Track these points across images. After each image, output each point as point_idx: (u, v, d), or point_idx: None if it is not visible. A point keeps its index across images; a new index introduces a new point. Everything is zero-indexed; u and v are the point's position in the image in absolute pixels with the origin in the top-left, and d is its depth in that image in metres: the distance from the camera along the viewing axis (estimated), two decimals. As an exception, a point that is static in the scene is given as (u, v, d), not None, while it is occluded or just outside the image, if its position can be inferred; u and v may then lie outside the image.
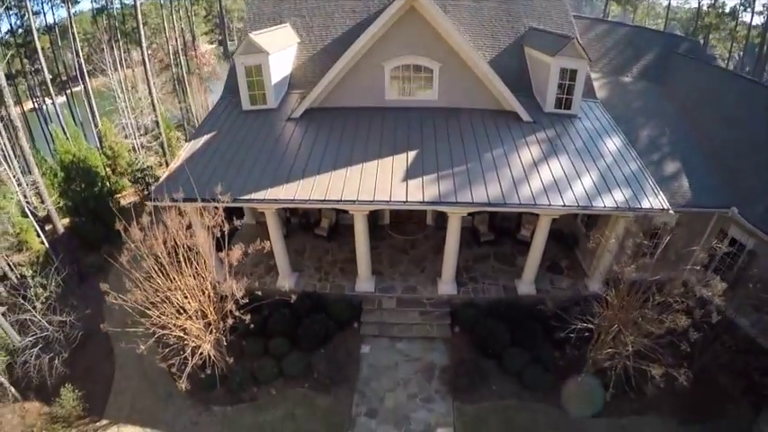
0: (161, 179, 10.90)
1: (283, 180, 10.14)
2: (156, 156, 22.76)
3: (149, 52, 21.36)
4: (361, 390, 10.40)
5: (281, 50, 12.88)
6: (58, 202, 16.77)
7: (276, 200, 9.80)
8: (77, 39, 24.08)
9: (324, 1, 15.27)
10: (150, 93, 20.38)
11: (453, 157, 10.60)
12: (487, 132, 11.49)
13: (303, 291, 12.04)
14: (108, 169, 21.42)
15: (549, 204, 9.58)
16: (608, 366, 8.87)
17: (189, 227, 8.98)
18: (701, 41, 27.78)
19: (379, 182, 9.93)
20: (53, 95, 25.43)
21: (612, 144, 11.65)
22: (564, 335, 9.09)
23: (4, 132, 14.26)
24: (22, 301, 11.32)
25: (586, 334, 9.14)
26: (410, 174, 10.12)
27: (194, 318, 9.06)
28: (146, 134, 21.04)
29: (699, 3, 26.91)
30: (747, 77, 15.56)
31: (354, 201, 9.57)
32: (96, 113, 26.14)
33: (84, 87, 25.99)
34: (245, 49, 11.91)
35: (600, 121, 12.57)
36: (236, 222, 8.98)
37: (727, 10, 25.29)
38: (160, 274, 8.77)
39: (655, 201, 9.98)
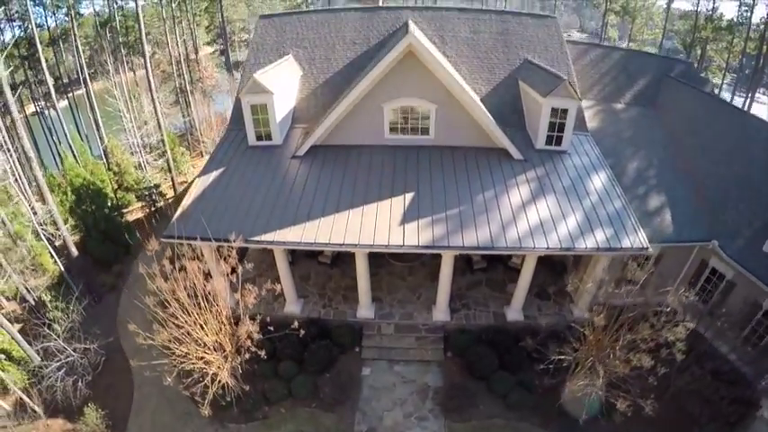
0: (174, 216, 12.21)
1: (290, 222, 11.50)
2: (162, 172, 24.03)
3: (151, 64, 22.40)
4: (362, 409, 11.97)
5: (284, 88, 14.10)
6: (71, 223, 18.14)
7: (284, 242, 11.19)
8: (80, 48, 25.07)
9: (325, 32, 16.42)
10: (156, 112, 21.53)
11: (447, 199, 11.94)
12: (480, 172, 12.80)
13: (308, 317, 13.56)
14: (114, 184, 22.78)
15: (534, 247, 10.96)
16: (583, 394, 10.36)
17: (207, 274, 10.32)
18: (699, 52, 28.82)
19: (378, 225, 11.30)
20: (56, 103, 26.54)
21: (599, 180, 12.95)
22: (544, 366, 10.56)
23: (18, 163, 15.59)
24: (47, 330, 12.75)
25: (564, 364, 10.61)
26: (407, 217, 11.48)
27: (213, 349, 10.53)
28: (151, 152, 22.28)
29: (696, 16, 27.77)
30: (736, 107, 16.63)
31: (356, 245, 10.96)
32: (99, 119, 27.31)
33: (87, 91, 27.05)
34: (251, 89, 13.12)
35: (589, 156, 13.84)
36: (248, 266, 10.32)
37: (724, 24, 26.24)
38: (182, 314, 10.16)
39: (635, 239, 11.33)
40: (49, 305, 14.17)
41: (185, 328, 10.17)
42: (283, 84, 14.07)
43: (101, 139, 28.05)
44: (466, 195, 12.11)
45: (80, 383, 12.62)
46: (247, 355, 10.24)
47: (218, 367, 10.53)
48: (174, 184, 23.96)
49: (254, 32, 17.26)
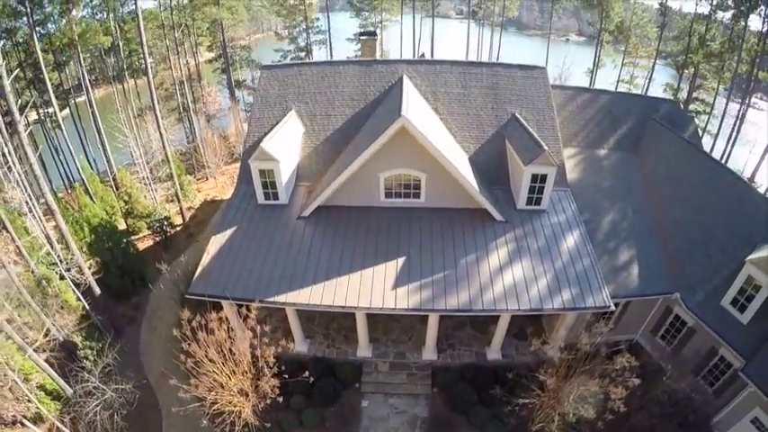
0: (196, 275, 15.07)
1: (299, 284, 14.40)
2: (169, 195, 26.85)
3: (158, 97, 24.86)
4: (361, 437, 15.25)
5: (289, 151, 16.72)
6: (89, 259, 21.08)
7: (295, 303, 14.14)
8: (86, 75, 27.43)
9: (324, 86, 18.85)
10: (164, 147, 24.09)
11: (434, 264, 14.77)
12: (464, 236, 15.56)
13: (315, 355, 16.72)
14: (124, 209, 25.69)
15: (507, 309, 13.86)
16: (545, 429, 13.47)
17: (230, 331, 13.26)
18: (692, 71, 30.65)
19: (374, 288, 14.20)
20: (61, 123, 29.06)
21: (572, 239, 15.67)
22: (511, 407, 13.62)
23: (44, 216, 18.35)
24: (83, 371, 15.64)
25: (530, 405, 13.68)
26: (399, 281, 14.35)
27: (237, 393, 13.63)
28: (159, 179, 25.04)
29: (689, 38, 29.40)
30: (712, 158, 18.85)
31: (356, 307, 13.91)
32: (105, 138, 29.84)
33: (89, 99, 29.29)
34: (259, 157, 15.72)
35: (565, 213, 16.51)
36: (266, 328, 13.25)
37: (715, 49, 28.05)
38: (211, 368, 13.19)
39: (599, 298, 14.16)
40: (80, 344, 17.23)
41: (214, 377, 13.23)
42: (288, 148, 16.68)
43: (106, 158, 30.83)
44: (450, 259, 14.91)
45: (116, 416, 15.75)
46: (268, 401, 13.31)
47: (242, 407, 13.67)
48: (181, 211, 26.81)
49: (258, 84, 19.68)
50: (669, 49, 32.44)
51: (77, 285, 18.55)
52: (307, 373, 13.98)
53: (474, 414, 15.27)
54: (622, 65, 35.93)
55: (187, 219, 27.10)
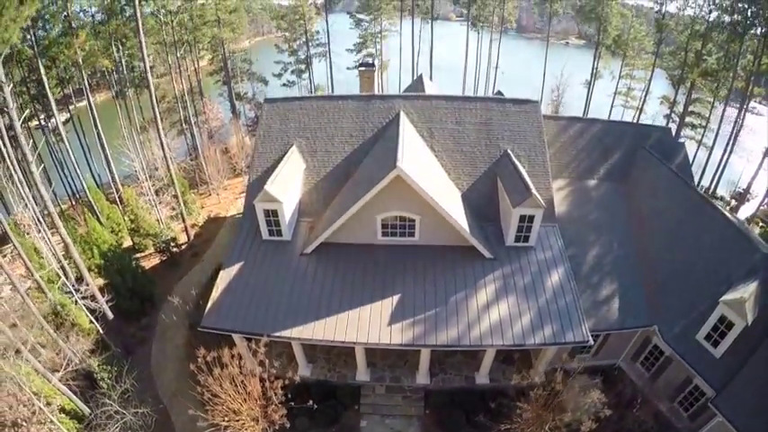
0: (207, 309, 16.82)
1: (303, 320, 16.14)
2: (173, 212, 28.58)
3: (161, 118, 26.35)
4: (360, 456, 17.23)
5: (291, 190, 18.29)
6: (99, 279, 22.91)
7: (299, 338, 15.94)
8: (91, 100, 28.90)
9: (324, 122, 20.32)
10: (169, 170, 25.70)
11: (426, 300, 16.46)
12: (455, 273, 17.21)
13: (317, 379, 18.60)
14: (130, 226, 27.42)
15: (492, 344, 15.61)
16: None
17: (242, 366, 15.05)
18: (689, 86, 31.85)
19: (371, 324, 15.94)
20: (64, 134, 30.56)
21: (557, 275, 17.31)
22: (497, 430, 15.46)
23: (58, 249, 20.14)
24: (106, 399, 17.41)
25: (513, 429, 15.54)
26: (394, 318, 16.09)
27: (248, 418, 15.51)
28: (166, 204, 26.72)
29: (685, 53, 30.47)
30: (699, 193, 20.07)
31: (355, 342, 15.70)
32: (105, 142, 31.29)
33: (91, 110, 30.74)
34: (263, 198, 17.28)
35: (552, 250, 18.11)
36: (275, 363, 15.05)
37: (710, 67, 29.20)
38: (225, 397, 15.03)
39: (578, 333, 15.85)
40: (96, 368, 19.01)
41: (227, 405, 15.07)
42: (290, 187, 18.23)
43: (110, 170, 32.46)
44: (442, 296, 16.61)
45: None
46: (277, 426, 15.17)
47: (253, 430, 15.56)
48: (186, 229, 28.55)
49: (261, 118, 21.14)
50: (666, 65, 33.53)
51: (92, 311, 20.41)
52: (311, 402, 15.78)
53: (463, 435, 17.20)
54: (620, 77, 37.06)
55: (192, 237, 28.85)
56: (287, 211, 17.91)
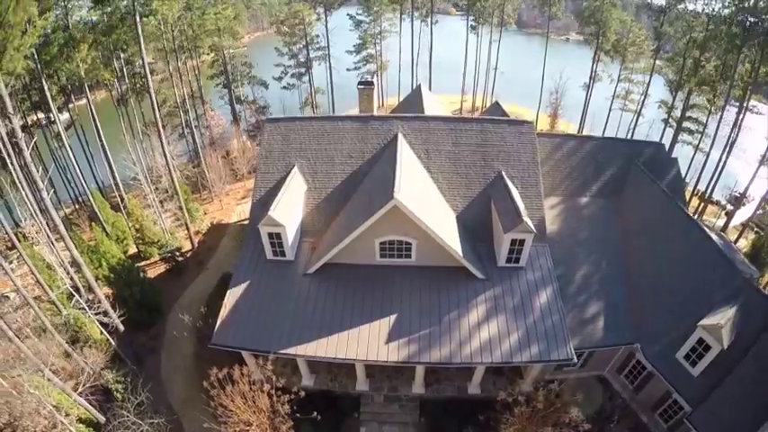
0: (216, 327, 18.25)
1: (306, 338, 17.59)
2: (177, 221, 29.86)
3: (163, 124, 27.35)
4: (360, 460, 18.94)
5: (294, 213, 19.53)
6: (108, 290, 24.24)
7: (303, 355, 17.43)
8: (93, 110, 29.87)
9: (325, 143, 21.42)
10: (173, 182, 26.87)
11: (421, 320, 17.86)
12: (449, 293, 18.56)
13: (320, 388, 20.20)
14: (136, 236, 28.76)
15: (481, 362, 17.09)
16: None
17: (251, 383, 16.55)
18: (686, 96, 32.62)
19: (370, 343, 17.39)
20: (66, 140, 31.61)
21: (545, 296, 18.65)
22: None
23: (71, 267, 21.44)
24: (122, 412, 18.83)
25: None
26: (391, 336, 17.53)
27: (258, 429, 17.09)
28: (170, 212, 27.97)
29: (683, 60, 31.10)
30: (687, 215, 20.65)
31: (355, 359, 17.19)
32: (102, 137, 32.05)
33: (91, 113, 31.60)
34: (267, 222, 18.52)
35: (542, 271, 19.41)
36: (281, 380, 16.55)
37: (711, 67, 29.88)
38: (236, 410, 16.56)
39: (563, 352, 17.28)
40: (111, 380, 20.51)
41: (239, 416, 16.60)
42: (293, 210, 19.48)
43: (112, 175, 33.57)
44: (435, 316, 18.01)
45: None
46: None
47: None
48: (190, 237, 29.88)
49: (263, 138, 22.22)
50: (664, 71, 34.17)
51: (104, 325, 21.88)
52: (315, 413, 17.31)
53: (455, 442, 18.86)
54: (618, 80, 37.68)
55: (196, 245, 30.20)
56: (289, 234, 19.17)
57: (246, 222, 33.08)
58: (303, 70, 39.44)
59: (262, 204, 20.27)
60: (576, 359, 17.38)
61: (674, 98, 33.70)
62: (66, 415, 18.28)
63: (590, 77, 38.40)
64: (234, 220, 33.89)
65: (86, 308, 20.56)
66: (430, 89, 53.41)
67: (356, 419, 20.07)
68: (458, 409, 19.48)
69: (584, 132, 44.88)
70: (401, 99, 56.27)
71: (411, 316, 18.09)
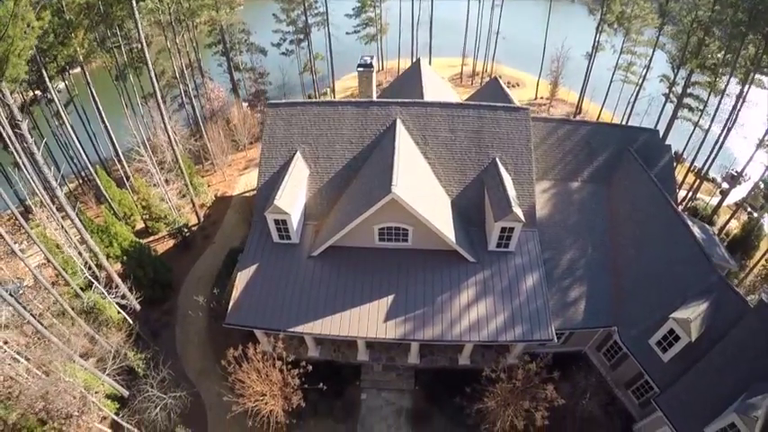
0: (229, 308, 20.04)
1: (312, 317, 19.48)
2: (183, 196, 31.04)
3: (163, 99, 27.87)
4: (361, 422, 21.54)
5: (298, 200, 20.80)
6: (118, 266, 25.70)
7: (310, 333, 19.42)
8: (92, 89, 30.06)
9: (325, 129, 22.30)
10: (177, 160, 27.80)
11: (416, 300, 19.69)
12: (442, 275, 20.25)
13: (324, 359, 22.47)
14: (143, 213, 30.13)
15: (470, 340, 19.10)
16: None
17: (264, 359, 18.53)
18: (688, 74, 32.52)
19: (370, 321, 19.32)
20: (66, 117, 32.15)
21: (531, 280, 20.35)
22: (468, 411, 19.37)
23: (97, 269, 22.70)
24: (147, 387, 20.67)
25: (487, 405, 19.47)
26: (388, 315, 19.43)
27: (270, 397, 19.35)
28: (177, 191, 29.11)
29: (687, 37, 30.70)
30: (673, 207, 21.53)
31: (356, 336, 19.20)
32: (102, 110, 32.40)
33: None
34: (273, 211, 19.84)
35: (530, 255, 20.99)
36: (290, 357, 18.59)
37: (715, 47, 29.63)
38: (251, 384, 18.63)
39: (545, 333, 19.22)
40: (132, 357, 22.37)
41: (253, 389, 18.75)
42: (297, 196, 20.71)
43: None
44: (429, 296, 19.81)
45: (173, 415, 21.03)
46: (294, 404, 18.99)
47: (275, 407, 19.48)
48: (195, 210, 31.20)
49: (265, 123, 23.00)
50: (668, 48, 33.71)
51: (122, 307, 23.40)
52: (321, 384, 19.42)
53: (445, 407, 21.32)
54: (621, 51, 37.32)
55: (202, 218, 31.59)
56: (294, 220, 20.55)
57: (250, 194, 34.68)
58: (302, 36, 38.86)
59: (267, 190, 21.50)
60: (556, 340, 19.30)
61: (676, 75, 33.71)
62: (96, 393, 20.32)
63: (593, 47, 37.98)
64: (237, 192, 35.11)
65: (105, 293, 22.15)
66: (430, 53, 53.05)
67: (357, 387, 22.51)
68: (449, 379, 21.79)
69: (585, 101, 45.09)
70: (400, 64, 55.67)
71: (407, 296, 19.90)
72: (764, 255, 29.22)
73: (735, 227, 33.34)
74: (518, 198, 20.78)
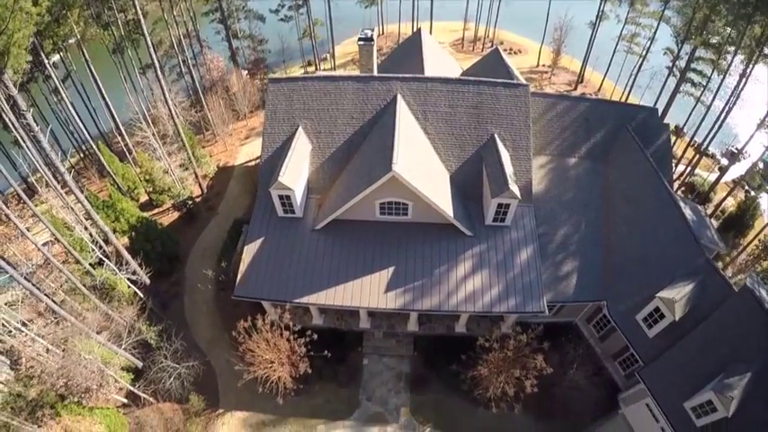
0: (237, 281, 21.10)
1: (316, 288, 20.62)
2: (186, 168, 31.52)
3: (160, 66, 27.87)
4: (363, 386, 23.16)
5: (301, 175, 21.45)
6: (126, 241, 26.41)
7: (315, 303, 20.61)
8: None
9: (327, 104, 22.71)
10: (180, 134, 28.11)
11: (416, 272, 20.77)
12: (440, 248, 21.25)
13: (328, 327, 23.83)
14: (147, 187, 30.72)
15: (465, 311, 20.33)
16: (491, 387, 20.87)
17: (272, 329, 19.71)
18: (692, 49, 32.11)
19: (371, 291, 20.49)
20: (65, 94, 32.11)
21: (525, 254, 21.38)
22: (464, 377, 20.81)
23: (106, 246, 23.37)
24: (161, 359, 21.68)
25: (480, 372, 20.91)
26: (389, 286, 20.58)
27: (278, 364, 20.69)
28: (180, 165, 29.58)
29: (693, 12, 30.09)
30: (666, 188, 21.99)
31: (359, 307, 20.41)
32: (99, 82, 32.33)
33: (91, 73, 31.99)
34: (277, 187, 20.55)
35: (525, 230, 21.93)
36: (296, 326, 19.83)
37: (721, 24, 29.18)
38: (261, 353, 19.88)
39: (537, 305, 20.42)
40: (144, 329, 23.22)
41: (262, 357, 20.02)
42: (300, 171, 21.38)
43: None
44: (428, 268, 20.88)
45: (185, 383, 22.21)
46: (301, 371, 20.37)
47: (282, 374, 20.90)
48: (198, 181, 31.76)
49: (267, 99, 23.31)
50: (672, 22, 33.02)
51: (133, 282, 24.29)
52: (326, 351, 20.73)
53: (442, 372, 22.86)
54: (625, 22, 36.62)
55: (205, 189, 32.20)
56: (298, 195, 21.30)
57: (252, 164, 35.16)
58: (300, 2, 37.96)
59: (270, 164, 22.13)
60: (547, 312, 20.48)
61: (680, 49, 33.35)
62: (113, 366, 21.35)
63: (597, 16, 37.27)
64: (239, 162, 35.55)
65: (116, 270, 22.95)
66: (431, 17, 51.90)
67: (359, 353, 24.01)
68: (446, 346, 23.23)
69: (587, 71, 44.64)
70: (401, 28, 54.49)
71: (406, 268, 20.98)
72: (758, 234, 29.70)
73: (731, 204, 33.74)
74: (515, 174, 21.52)
